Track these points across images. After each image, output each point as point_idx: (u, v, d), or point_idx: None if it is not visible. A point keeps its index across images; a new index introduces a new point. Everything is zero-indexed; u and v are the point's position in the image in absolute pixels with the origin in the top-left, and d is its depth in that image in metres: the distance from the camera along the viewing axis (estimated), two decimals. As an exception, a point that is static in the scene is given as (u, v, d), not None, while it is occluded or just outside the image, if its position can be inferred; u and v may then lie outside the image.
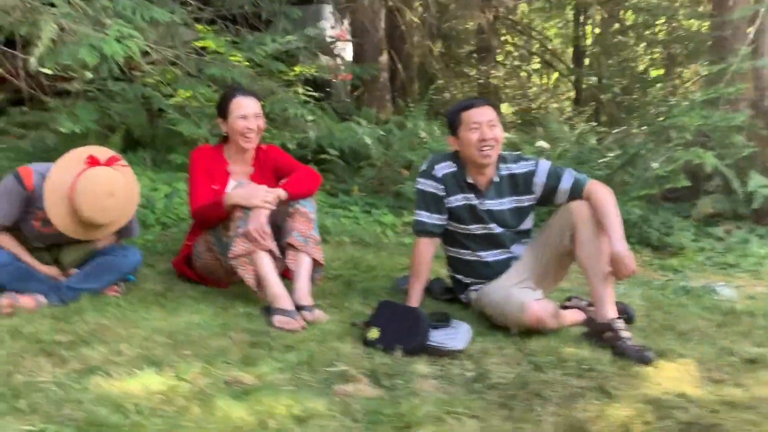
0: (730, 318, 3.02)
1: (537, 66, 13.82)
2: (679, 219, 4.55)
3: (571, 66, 12.35)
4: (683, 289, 3.50)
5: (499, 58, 12.49)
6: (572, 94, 12.70)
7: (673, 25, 10.60)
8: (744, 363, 2.45)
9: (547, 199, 2.74)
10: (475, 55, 11.72)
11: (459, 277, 2.89)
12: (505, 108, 12.26)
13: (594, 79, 11.46)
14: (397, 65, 8.80)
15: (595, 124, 8.23)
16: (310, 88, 6.25)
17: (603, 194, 2.59)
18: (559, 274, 2.79)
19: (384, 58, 8.19)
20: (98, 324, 2.33)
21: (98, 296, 2.62)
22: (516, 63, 13.24)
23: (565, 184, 2.68)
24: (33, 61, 3.19)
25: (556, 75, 13.70)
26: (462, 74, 11.89)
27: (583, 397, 2.05)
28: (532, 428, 1.81)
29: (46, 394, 1.79)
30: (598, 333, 2.51)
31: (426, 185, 2.78)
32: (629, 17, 11.30)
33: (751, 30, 5.07)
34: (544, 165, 2.75)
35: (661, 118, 4.98)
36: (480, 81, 11.25)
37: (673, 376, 2.26)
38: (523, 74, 13.53)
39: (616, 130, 6.26)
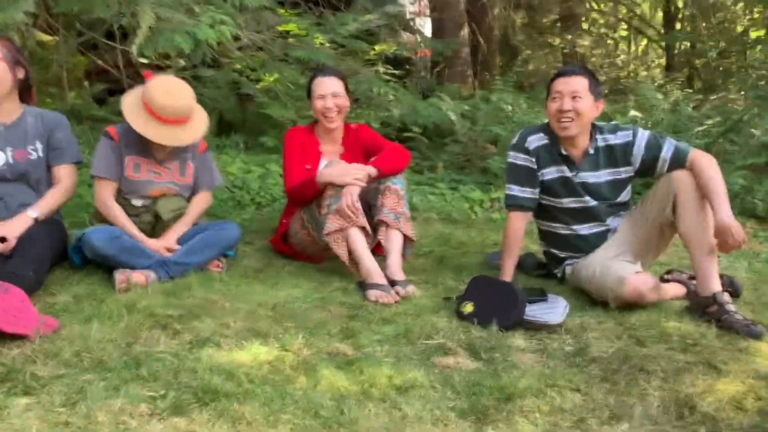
0: None
1: (625, 33, 13.22)
2: (786, 188, 4.26)
3: (662, 31, 11.73)
4: (794, 262, 3.30)
5: (585, 26, 12.03)
6: (663, 60, 12.08)
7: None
8: None
9: (647, 170, 2.64)
10: (559, 24, 11.34)
11: (553, 251, 2.85)
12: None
13: (687, 43, 10.83)
14: (479, 39, 8.65)
15: (689, 90, 7.80)
16: (390, 66, 6.26)
17: (707, 163, 2.48)
18: (659, 247, 2.69)
19: (465, 32, 8.08)
20: (205, 298, 2.45)
21: (203, 272, 2.76)
22: (602, 30, 12.72)
23: (666, 153, 2.57)
24: (134, 49, 3.36)
25: (645, 41, 13.06)
26: (546, 44, 11.54)
27: (690, 371, 1.98)
28: (637, 402, 1.78)
29: (163, 363, 1.90)
30: (701, 307, 2.41)
31: (517, 158, 2.74)
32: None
33: None
34: (643, 134, 2.65)
35: (763, 82, 4.66)
36: (565, 50, 10.89)
37: (786, 353, 2.15)
38: (610, 42, 12.99)
39: (713, 97, 5.91)
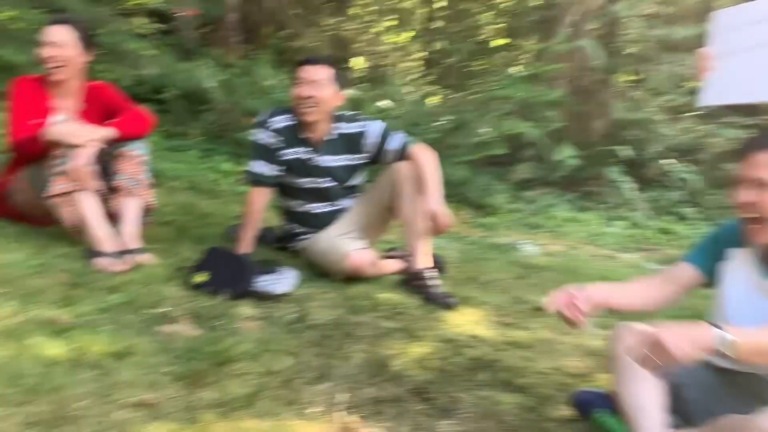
0: (528, 271, 3.46)
1: (392, 23, 14.02)
2: (498, 182, 5.00)
3: (423, 27, 12.69)
4: (492, 245, 3.91)
5: (354, 10, 12.52)
6: (423, 55, 13.09)
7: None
8: (532, 310, 2.83)
9: (377, 158, 2.92)
10: (329, 5, 11.64)
11: (290, 226, 3.02)
12: (360, 63, 12.39)
13: (442, 43, 11.85)
14: (249, 6, 8.55)
15: (439, 87, 8.61)
16: (152, 20, 5.94)
17: (425, 157, 2.82)
18: (383, 227, 3.01)
19: (235, -3, 7.92)
20: None
21: None
22: (370, 18, 13.35)
23: (393, 145, 2.87)
24: None
25: (408, 34, 14.00)
26: (315, 23, 11.78)
27: (390, 336, 2.29)
28: (340, 363, 2.01)
29: None
30: (410, 281, 2.77)
31: (261, 137, 2.84)
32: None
33: (574, 13, 5.59)
34: (376, 126, 2.92)
35: (492, 89, 5.37)
36: (331, 32, 11.23)
37: (470, 320, 2.58)
38: (376, 30, 13.68)
39: (452, 96, 6.63)
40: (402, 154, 2.86)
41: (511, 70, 6.40)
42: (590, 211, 5.14)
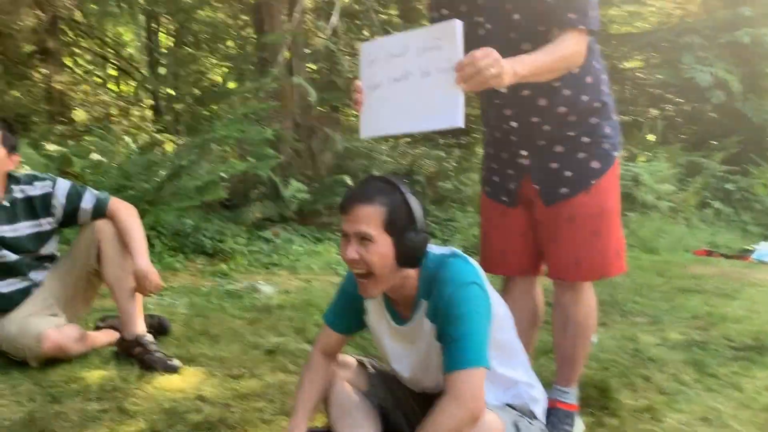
0: (263, 314, 3.37)
1: (114, 72, 13.19)
2: (233, 225, 4.88)
3: (148, 74, 12.14)
4: (228, 292, 3.76)
5: (68, 61, 11.53)
6: (152, 102, 12.48)
7: (239, 42, 11.36)
8: (264, 354, 2.75)
9: (70, 220, 2.62)
10: (37, 56, 10.56)
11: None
12: (80, 114, 11.42)
13: (170, 89, 11.47)
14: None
15: (169, 135, 8.26)
16: None
17: (125, 213, 2.60)
18: (89, 296, 2.71)
19: None
20: None
21: None
22: (89, 67, 12.42)
23: (87, 203, 2.59)
24: None
25: (132, 82, 13.28)
26: (25, 76, 10.59)
27: (98, 420, 2.03)
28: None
29: None
30: (127, 350, 2.52)
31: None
32: (201, 29, 11.62)
33: (284, 52, 5.74)
34: (63, 185, 2.61)
35: (213, 130, 5.26)
36: (43, 85, 10.21)
37: (195, 381, 2.40)
38: (97, 80, 12.76)
39: (181, 143, 6.39)
40: (98, 212, 2.60)
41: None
42: (326, 242, 5.26)
